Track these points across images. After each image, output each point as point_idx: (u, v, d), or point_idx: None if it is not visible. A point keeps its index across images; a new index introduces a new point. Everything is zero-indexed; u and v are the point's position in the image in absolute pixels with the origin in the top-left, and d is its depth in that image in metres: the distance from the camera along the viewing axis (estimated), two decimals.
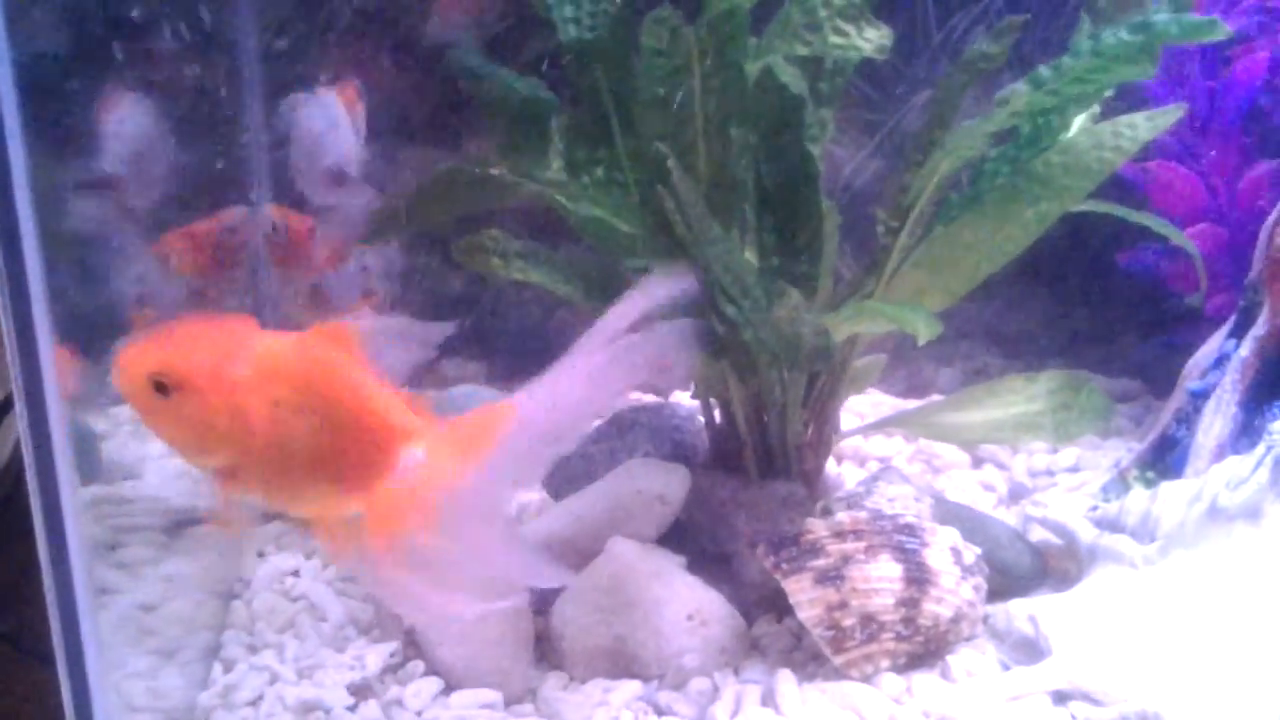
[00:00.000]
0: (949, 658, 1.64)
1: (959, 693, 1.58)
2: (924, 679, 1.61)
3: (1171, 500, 1.72)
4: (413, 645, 1.66)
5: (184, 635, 1.69)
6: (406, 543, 1.19)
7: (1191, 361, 2.00)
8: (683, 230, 1.60)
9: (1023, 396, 1.90)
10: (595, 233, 1.70)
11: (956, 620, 1.64)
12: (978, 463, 2.21)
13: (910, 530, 1.65)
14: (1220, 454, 1.85)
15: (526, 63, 2.05)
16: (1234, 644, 1.55)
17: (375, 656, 1.64)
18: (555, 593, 1.70)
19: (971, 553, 1.69)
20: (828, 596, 1.60)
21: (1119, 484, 1.95)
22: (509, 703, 1.61)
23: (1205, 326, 2.06)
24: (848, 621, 1.59)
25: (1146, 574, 1.67)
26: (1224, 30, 1.52)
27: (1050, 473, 2.16)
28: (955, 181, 1.77)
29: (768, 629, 1.70)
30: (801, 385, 1.78)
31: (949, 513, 1.80)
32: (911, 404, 2.36)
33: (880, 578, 1.61)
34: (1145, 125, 1.77)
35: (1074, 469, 2.17)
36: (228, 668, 1.67)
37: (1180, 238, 1.88)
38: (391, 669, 1.65)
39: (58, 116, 1.44)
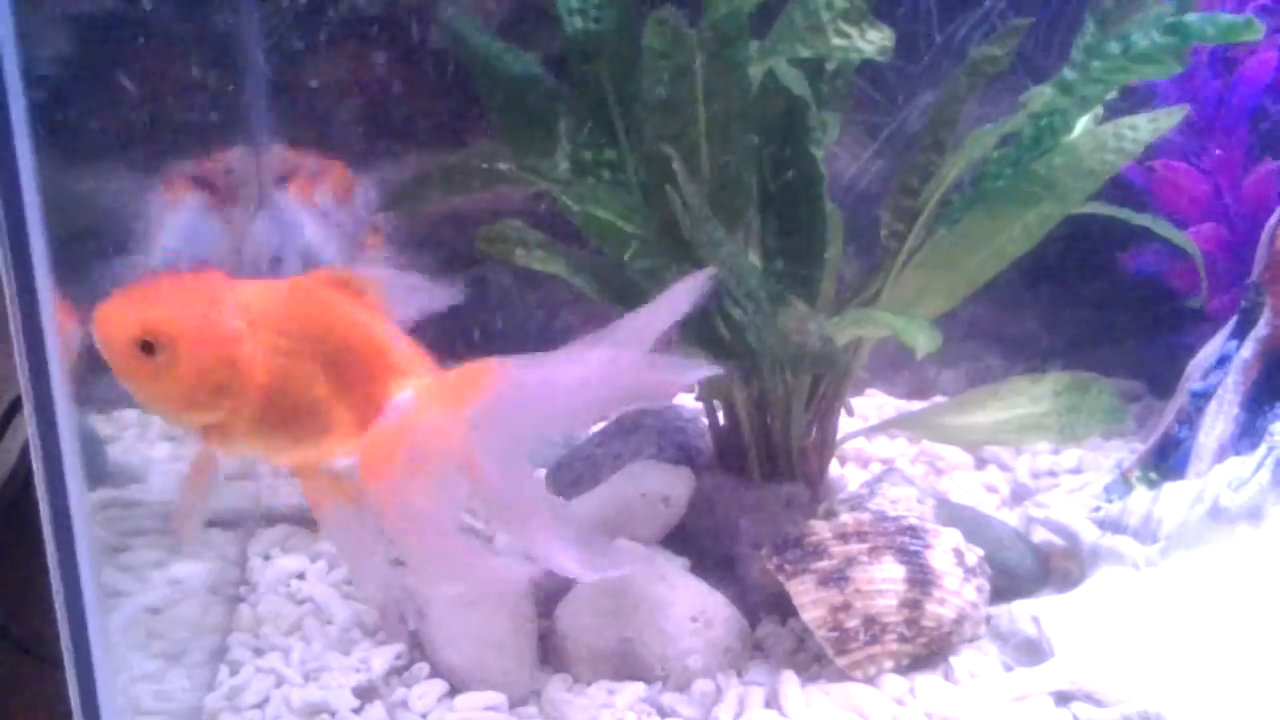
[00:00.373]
0: (952, 659, 1.64)
1: (962, 694, 1.58)
2: (927, 680, 1.61)
3: (1173, 501, 1.72)
4: (418, 648, 1.66)
5: (190, 638, 1.69)
6: (397, 487, 1.18)
7: (1194, 362, 2.00)
8: (688, 232, 1.60)
9: (1027, 398, 1.91)
10: (600, 234, 1.71)
11: (959, 621, 1.64)
12: (981, 464, 2.21)
13: (913, 532, 1.66)
14: (1222, 455, 1.85)
15: (537, 57, 2.06)
16: (1236, 645, 1.55)
17: (381, 659, 1.65)
18: (560, 595, 1.71)
19: (974, 554, 1.69)
20: (831, 598, 1.60)
21: (1121, 485, 1.95)
22: (513, 705, 1.61)
23: (1208, 327, 2.06)
24: (851, 623, 1.60)
25: (1149, 575, 1.68)
26: (1258, 29, 1.51)
27: (1053, 474, 2.17)
28: (957, 183, 1.77)
29: (771, 630, 1.71)
30: (805, 387, 1.79)
31: (952, 514, 1.80)
32: (914, 406, 2.37)
33: (883, 579, 1.61)
34: (1147, 127, 1.77)
35: (1076, 470, 2.17)
36: (234, 670, 1.67)
37: (1182, 239, 1.88)
38: (397, 671, 1.65)
39: (65, 119, 1.45)
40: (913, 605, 1.61)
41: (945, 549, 1.66)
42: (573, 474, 1.96)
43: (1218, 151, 2.14)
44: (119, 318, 1.17)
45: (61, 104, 1.39)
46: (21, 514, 1.80)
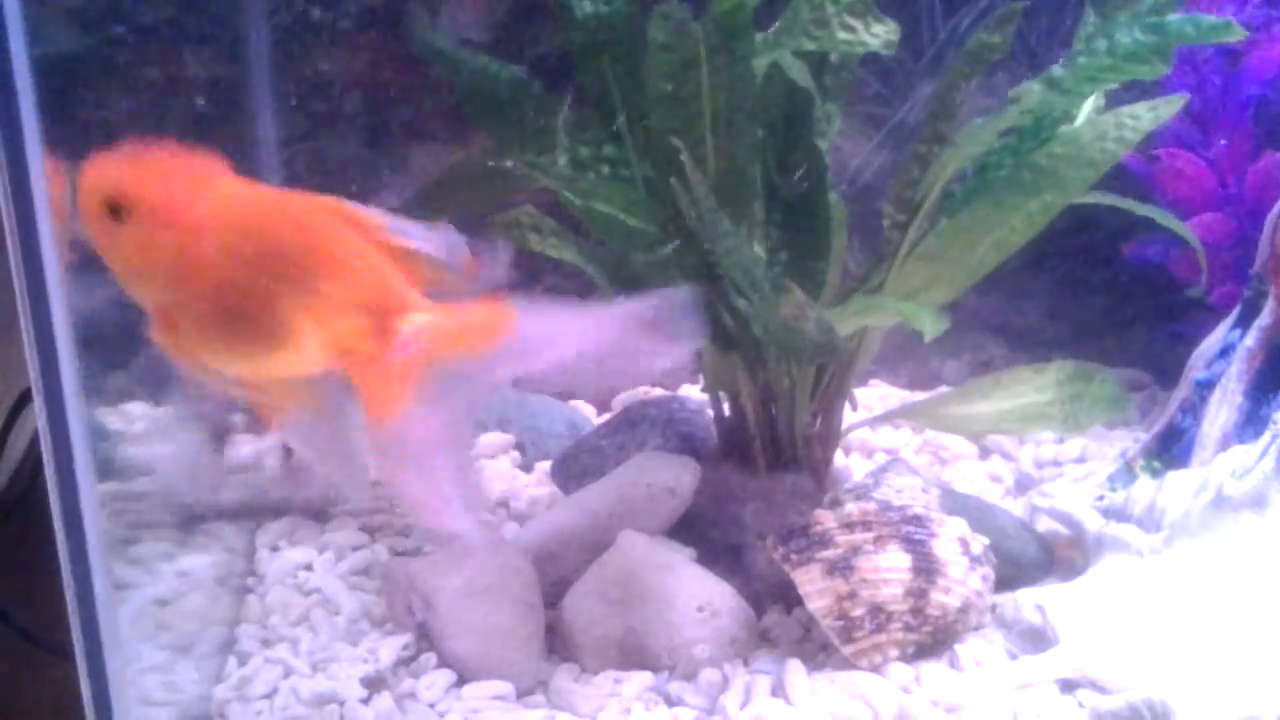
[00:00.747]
0: (957, 647, 1.65)
1: (967, 682, 1.59)
2: (932, 668, 1.62)
3: (1177, 490, 1.73)
4: (425, 638, 1.67)
5: (198, 630, 1.70)
6: (404, 416, 1.16)
7: (1197, 352, 2.00)
8: (693, 224, 1.61)
9: (1031, 387, 1.91)
10: (604, 227, 1.71)
11: (964, 610, 1.65)
12: (985, 454, 2.22)
13: (918, 521, 1.66)
14: (1226, 443, 1.86)
15: (535, 57, 2.07)
16: (1240, 632, 1.56)
17: (388, 649, 1.66)
18: (566, 585, 1.71)
19: (979, 543, 1.70)
20: (837, 587, 1.61)
21: (1125, 474, 1.96)
22: (521, 694, 1.62)
23: (1211, 317, 2.06)
24: (857, 612, 1.61)
25: (1153, 563, 1.68)
26: (1238, 32, 1.52)
27: (1057, 463, 2.17)
28: (959, 174, 1.78)
29: (777, 620, 1.72)
30: (810, 378, 1.79)
31: (956, 503, 1.81)
32: (918, 396, 2.37)
33: (889, 568, 1.62)
34: (1147, 115, 1.78)
35: (1080, 459, 2.18)
36: (242, 661, 1.68)
37: (1183, 230, 1.89)
38: (404, 661, 1.66)
39: (75, 108, 1.45)
40: (918, 594, 1.62)
41: (950, 538, 1.66)
42: (579, 465, 1.96)
43: (1222, 142, 2.14)
44: (99, 174, 1.15)
45: (70, 93, 1.40)
46: (30, 506, 1.81)
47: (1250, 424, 1.86)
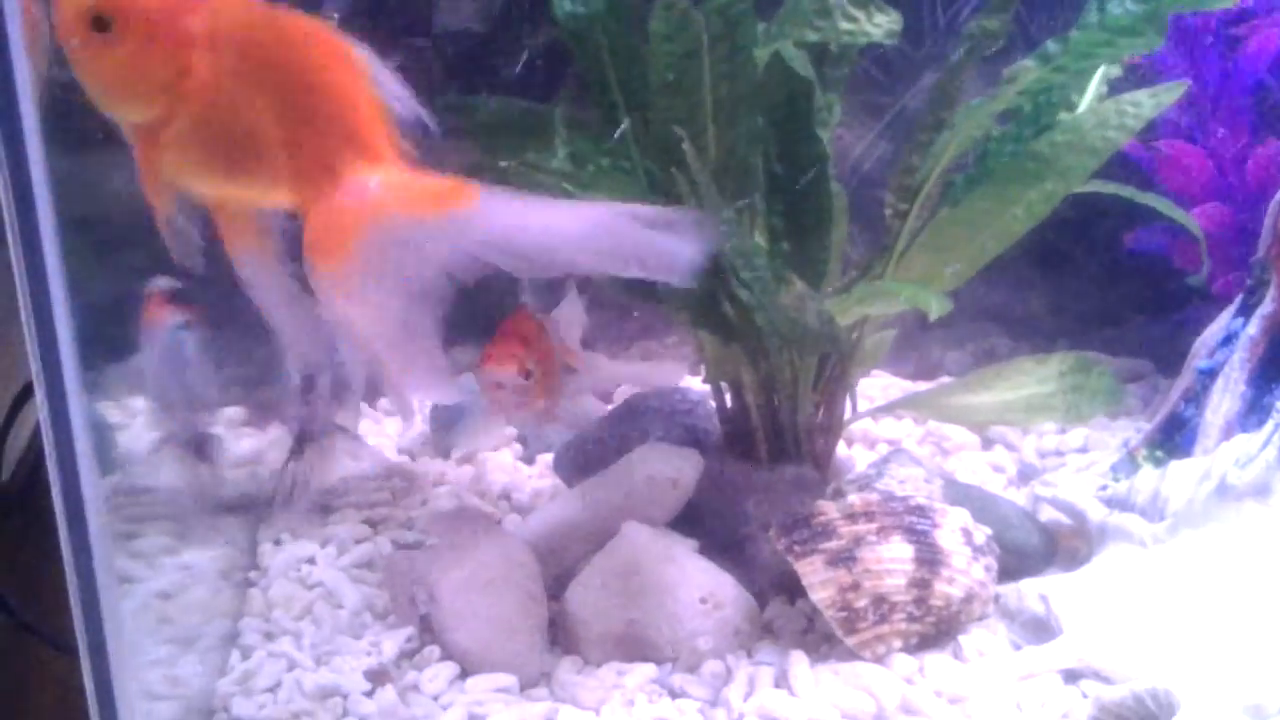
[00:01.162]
0: (961, 638, 1.65)
1: (971, 672, 1.59)
2: (936, 659, 1.62)
3: (1180, 479, 1.73)
4: (428, 631, 1.67)
5: (202, 623, 1.70)
6: (345, 272, 1.13)
7: (1199, 340, 2.00)
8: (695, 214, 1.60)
9: (1033, 378, 1.91)
10: None
11: (968, 600, 1.65)
12: (987, 444, 2.22)
13: (921, 511, 1.66)
14: (1229, 432, 1.85)
15: (532, 52, 2.06)
16: (1243, 621, 1.56)
17: (391, 642, 1.66)
18: (569, 577, 1.71)
19: (982, 533, 1.70)
20: (840, 578, 1.61)
21: (1128, 463, 1.95)
22: (524, 686, 1.62)
23: (1213, 305, 2.06)
24: (860, 603, 1.60)
25: (1156, 552, 1.68)
26: None
27: (1059, 453, 2.17)
28: (961, 163, 1.77)
29: (780, 611, 1.71)
30: (812, 368, 1.79)
31: (959, 494, 1.81)
32: (921, 386, 2.37)
33: (892, 559, 1.62)
34: (1149, 103, 1.77)
35: (1083, 449, 2.18)
36: (246, 655, 1.68)
37: (1185, 218, 1.89)
38: (408, 654, 1.66)
39: (73, 104, 1.45)
40: (921, 584, 1.62)
41: (953, 528, 1.66)
42: (581, 457, 1.96)
43: (1221, 131, 2.14)
44: None
45: (69, 89, 1.40)
46: (32, 501, 1.81)
47: (1253, 412, 1.86)
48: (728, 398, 1.89)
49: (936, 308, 1.49)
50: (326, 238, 1.15)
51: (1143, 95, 1.77)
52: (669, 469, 1.78)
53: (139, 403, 1.89)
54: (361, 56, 1.18)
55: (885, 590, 1.61)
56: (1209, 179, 2.14)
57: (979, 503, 1.81)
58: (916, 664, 1.61)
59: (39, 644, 1.63)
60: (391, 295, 1.15)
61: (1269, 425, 1.68)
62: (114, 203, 1.64)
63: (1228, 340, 1.94)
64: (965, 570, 1.64)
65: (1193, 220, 1.90)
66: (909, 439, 2.22)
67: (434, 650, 1.65)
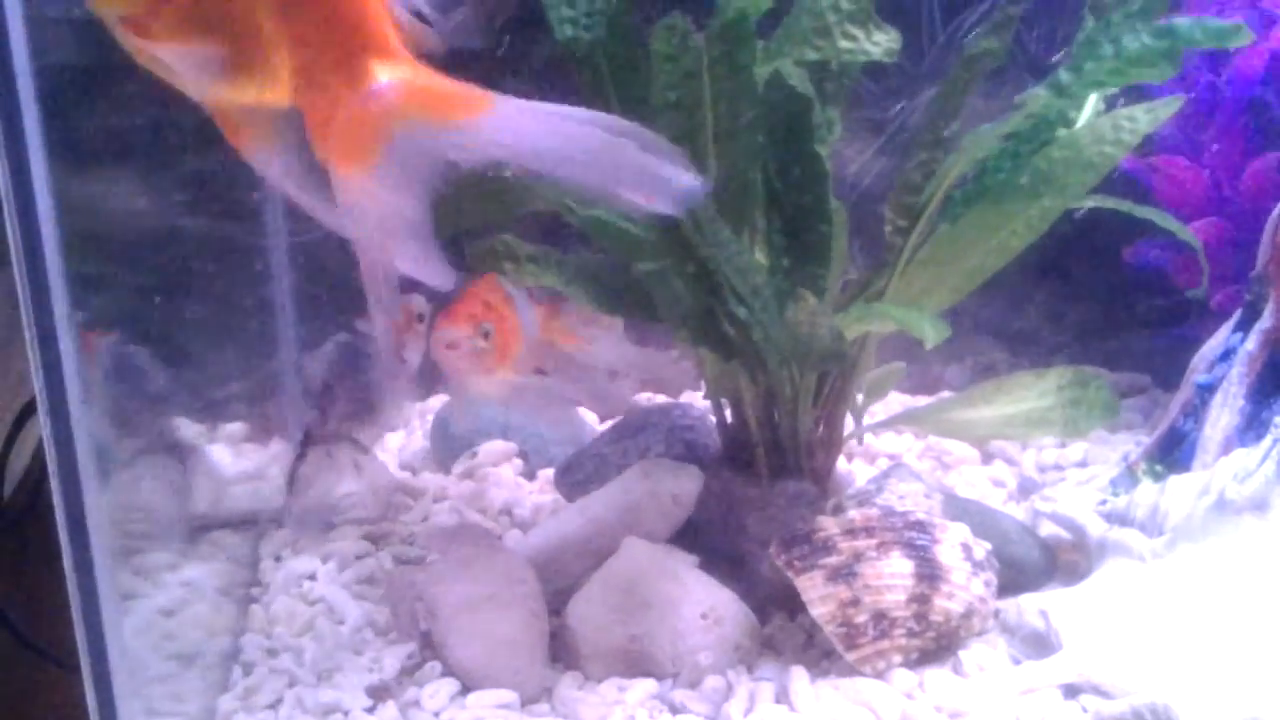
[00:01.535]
0: (960, 653, 1.65)
1: (971, 687, 1.59)
2: (936, 674, 1.62)
3: (1179, 493, 1.73)
4: (429, 647, 1.67)
5: (203, 639, 1.71)
6: (366, 168, 1.12)
7: (1199, 355, 2.01)
8: (693, 231, 1.61)
9: (1033, 392, 1.91)
10: (605, 236, 1.72)
11: (968, 615, 1.65)
12: (987, 459, 2.22)
13: (921, 527, 1.66)
14: (1227, 447, 1.86)
15: (535, 68, 2.07)
16: (1242, 636, 1.56)
17: (393, 658, 1.66)
18: (570, 593, 1.72)
19: (982, 548, 1.70)
20: (840, 593, 1.61)
21: (1127, 478, 1.96)
22: (525, 702, 1.62)
23: (1212, 320, 2.07)
24: (860, 618, 1.61)
25: (1155, 567, 1.68)
26: (1247, 35, 1.52)
27: (1059, 467, 2.18)
28: (959, 178, 1.78)
29: (781, 626, 1.72)
30: (812, 384, 1.80)
31: (959, 509, 1.81)
32: (921, 401, 2.38)
33: (892, 574, 1.62)
34: (1145, 118, 1.78)
35: (1083, 463, 2.18)
36: (247, 671, 1.68)
37: (1184, 231, 1.89)
38: (409, 671, 1.66)
39: (77, 122, 1.46)
40: (921, 600, 1.62)
41: (953, 544, 1.67)
42: (582, 473, 1.97)
43: (1215, 146, 2.14)
44: None
45: (74, 107, 1.40)
46: (35, 519, 1.82)
47: (1252, 427, 1.86)
48: (728, 413, 1.90)
49: (932, 335, 1.49)
50: (349, 140, 1.13)
51: (1139, 110, 1.78)
52: (670, 485, 1.79)
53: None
54: None
55: (885, 606, 1.61)
56: (1203, 194, 2.15)
57: (979, 518, 1.81)
58: (916, 679, 1.61)
59: (42, 661, 1.64)
60: (408, 195, 1.13)
61: (1267, 440, 1.68)
62: (117, 221, 1.66)
63: (1226, 355, 1.94)
64: (965, 585, 1.65)
65: (1190, 233, 1.91)
66: (909, 453, 2.23)
67: (435, 666, 1.66)
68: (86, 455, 1.26)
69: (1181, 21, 1.54)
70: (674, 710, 1.59)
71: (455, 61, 1.20)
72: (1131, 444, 2.12)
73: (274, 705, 1.62)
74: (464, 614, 1.65)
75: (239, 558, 1.91)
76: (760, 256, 1.75)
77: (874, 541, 1.64)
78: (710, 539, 1.80)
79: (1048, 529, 1.88)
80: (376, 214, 1.15)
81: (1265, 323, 1.90)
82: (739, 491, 1.81)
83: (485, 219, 1.90)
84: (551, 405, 1.86)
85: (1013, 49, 1.76)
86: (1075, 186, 1.75)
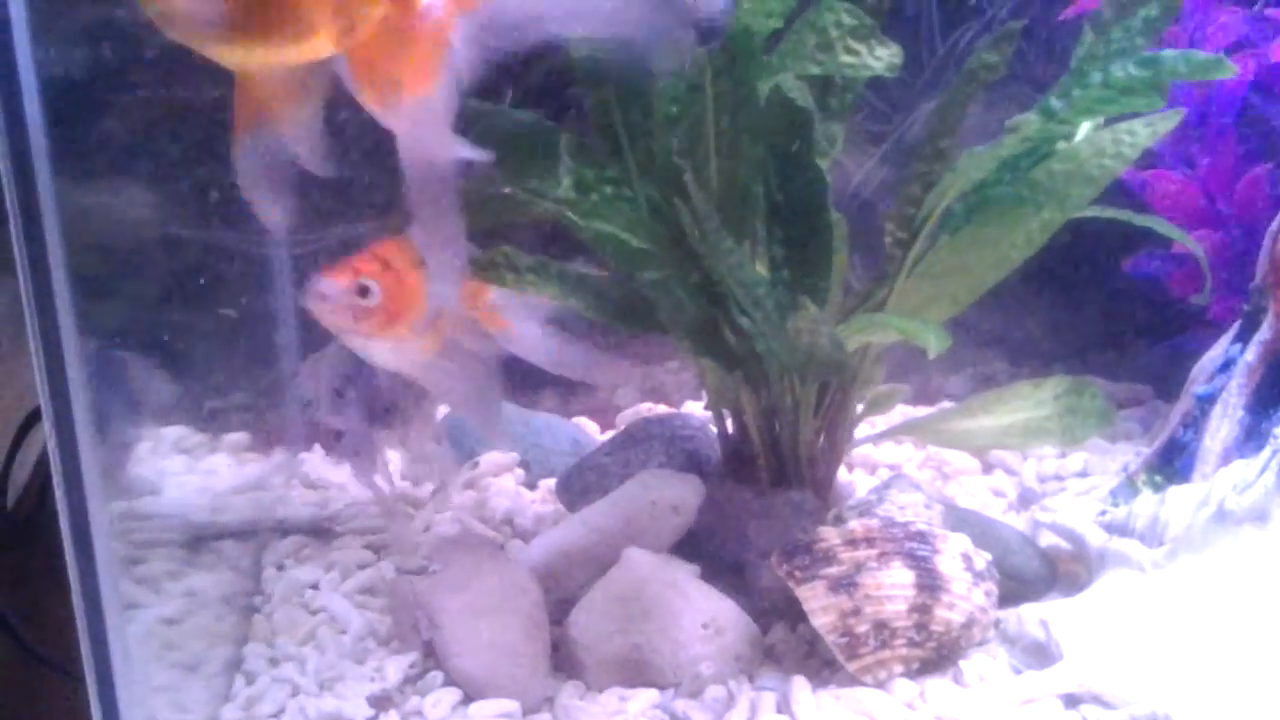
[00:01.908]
0: (961, 663, 1.65)
1: (971, 697, 1.60)
2: (937, 684, 1.63)
3: (1179, 504, 1.74)
4: (432, 656, 1.68)
5: (206, 649, 1.71)
6: (434, 86, 1.11)
7: (1198, 366, 2.01)
8: (696, 243, 1.62)
9: (1030, 402, 1.92)
10: (607, 247, 1.73)
11: (968, 626, 1.66)
12: (987, 469, 2.23)
13: (922, 537, 1.67)
14: (1227, 458, 1.86)
15: (537, 80, 2.08)
16: (1243, 646, 1.56)
17: (395, 668, 1.66)
18: (572, 602, 1.72)
19: (982, 559, 1.70)
20: (841, 604, 1.62)
21: (1128, 488, 1.96)
22: (527, 712, 1.62)
23: (1211, 331, 2.07)
24: (861, 628, 1.61)
25: (1155, 578, 1.69)
26: (1230, 68, 1.54)
27: (1059, 478, 2.18)
28: (959, 192, 1.79)
29: (782, 636, 1.72)
30: (813, 395, 1.80)
31: (959, 519, 1.82)
32: (921, 411, 2.38)
33: (893, 585, 1.62)
34: (1145, 132, 1.79)
35: (1083, 474, 2.18)
36: (249, 680, 1.69)
37: (1184, 238, 1.90)
38: (411, 680, 1.67)
39: (81, 130, 1.46)
40: (922, 610, 1.62)
41: (954, 554, 1.67)
42: (583, 483, 1.97)
43: (1205, 160, 2.15)
44: None
45: (77, 115, 1.41)
46: (38, 527, 1.82)
47: (1251, 438, 1.87)
48: (729, 424, 1.90)
49: (935, 345, 1.50)
50: (416, 63, 1.11)
51: (1138, 124, 1.78)
52: (671, 495, 1.79)
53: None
54: None
55: (886, 616, 1.62)
56: (1198, 207, 2.16)
57: (979, 528, 1.82)
58: (917, 689, 1.62)
59: (45, 670, 1.64)
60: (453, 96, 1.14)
61: (1267, 451, 1.69)
62: (119, 230, 1.66)
63: (1226, 366, 1.95)
64: (966, 596, 1.65)
65: (1194, 241, 1.92)
66: (909, 463, 2.23)
67: (437, 676, 1.66)
68: (91, 464, 1.26)
69: (1167, 53, 1.57)
70: None
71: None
72: (1131, 454, 2.13)
73: (277, 715, 1.62)
74: (466, 623, 1.66)
75: (241, 567, 1.91)
76: (761, 268, 1.76)
77: (875, 552, 1.65)
78: (711, 549, 1.80)
79: (1048, 539, 1.89)
80: (446, 130, 1.14)
81: (1264, 334, 1.91)
82: (740, 501, 1.81)
83: (484, 228, 1.90)
84: (465, 388, 1.65)
85: (1012, 62, 1.78)
86: (1075, 199, 1.76)
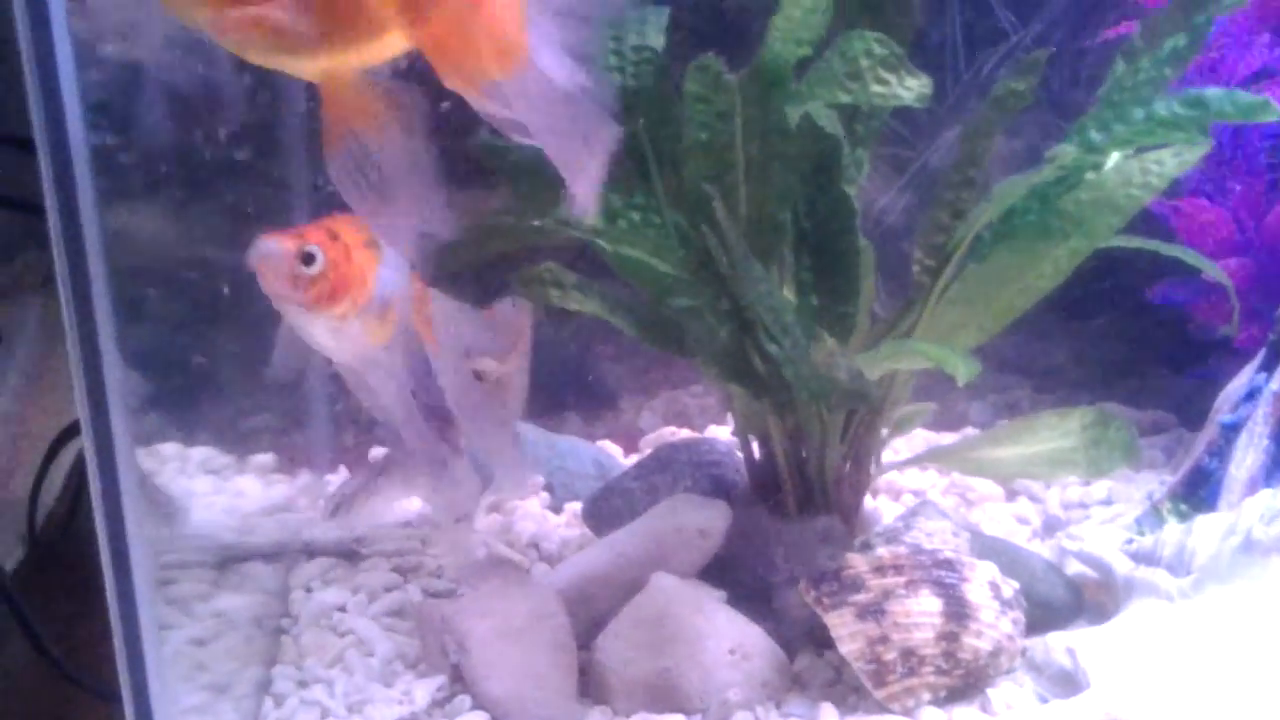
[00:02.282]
0: (988, 691, 1.65)
1: None
2: (964, 712, 1.63)
3: (1206, 533, 1.74)
4: (459, 680, 1.68)
5: (235, 670, 1.71)
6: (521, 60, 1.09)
7: (1223, 394, 2.01)
8: (725, 269, 1.63)
9: (1057, 432, 1.92)
10: (635, 273, 1.74)
11: (996, 654, 1.66)
12: (1011, 495, 2.23)
13: (949, 565, 1.67)
14: (1253, 487, 1.86)
15: None
16: (1270, 676, 1.56)
17: (423, 691, 1.67)
18: (599, 627, 1.72)
19: (1010, 587, 1.70)
20: (869, 631, 1.62)
21: (1153, 516, 1.96)
22: None
23: (1236, 359, 2.07)
24: (889, 655, 1.61)
25: (1183, 607, 1.69)
26: (1276, 112, 1.55)
27: (1084, 505, 2.18)
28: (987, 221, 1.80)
29: (809, 663, 1.72)
30: (840, 421, 1.81)
31: (986, 547, 1.82)
32: (945, 437, 2.38)
33: (921, 612, 1.63)
34: (1173, 162, 1.79)
35: (1107, 501, 2.18)
36: (278, 703, 1.69)
37: (1212, 268, 1.90)
38: (439, 703, 1.67)
39: (125, 154, 1.48)
40: (950, 638, 1.63)
41: (981, 582, 1.67)
42: (610, 507, 1.98)
43: (1236, 188, 2.16)
44: None
45: (122, 139, 1.42)
46: (67, 551, 1.83)
47: (1277, 467, 1.87)
48: (755, 449, 1.91)
49: (964, 372, 1.50)
50: (492, 39, 1.11)
51: (1166, 154, 1.79)
52: (698, 520, 1.80)
53: (170, 449, 1.92)
54: None
55: (914, 643, 1.62)
56: (1227, 235, 2.16)
57: (1006, 556, 1.82)
58: (945, 717, 1.62)
59: (76, 690, 1.65)
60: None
61: None
62: (162, 253, 1.68)
63: (1251, 395, 1.95)
64: (993, 624, 1.65)
65: (1220, 270, 1.92)
66: (934, 490, 2.23)
67: (465, 700, 1.66)
68: (130, 483, 1.27)
69: (1212, 93, 1.58)
70: None
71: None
72: (1155, 482, 2.13)
73: None
74: (493, 648, 1.66)
75: (269, 589, 1.92)
76: (789, 294, 1.77)
77: (903, 579, 1.65)
78: (738, 574, 1.80)
79: (1074, 567, 1.89)
80: (554, 89, 1.13)
81: None
82: (767, 528, 1.82)
83: (506, 250, 1.92)
84: (389, 393, 1.50)
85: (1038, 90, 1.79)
86: (1103, 228, 1.77)
